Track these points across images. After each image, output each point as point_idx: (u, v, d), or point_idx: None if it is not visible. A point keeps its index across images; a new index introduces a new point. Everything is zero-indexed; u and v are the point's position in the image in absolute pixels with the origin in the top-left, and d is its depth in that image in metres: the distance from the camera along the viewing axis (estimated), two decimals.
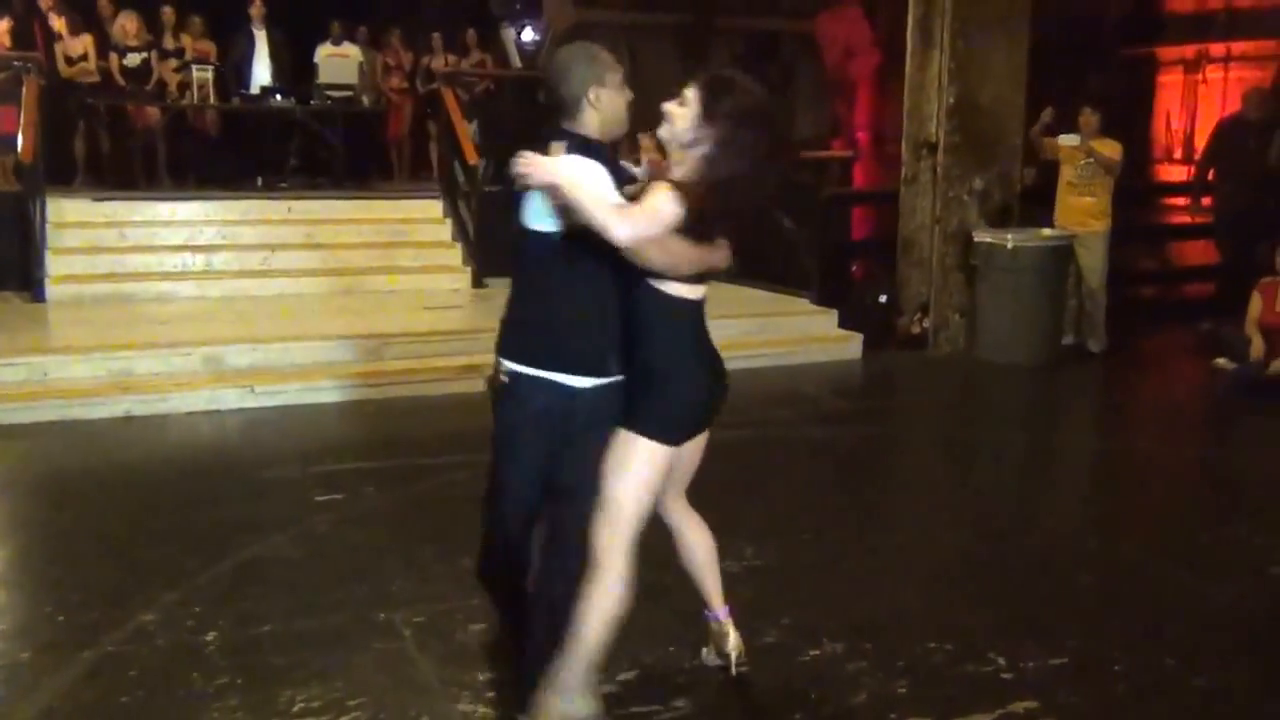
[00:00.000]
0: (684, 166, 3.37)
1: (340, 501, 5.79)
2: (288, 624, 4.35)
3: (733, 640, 3.84)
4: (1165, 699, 3.93)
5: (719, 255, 3.39)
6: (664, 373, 3.38)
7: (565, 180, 3.16)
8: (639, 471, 3.38)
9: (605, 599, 3.36)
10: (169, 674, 3.95)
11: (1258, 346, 8.55)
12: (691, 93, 3.35)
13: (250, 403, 7.57)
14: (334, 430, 7.20)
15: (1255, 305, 8.67)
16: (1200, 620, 4.58)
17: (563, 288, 3.36)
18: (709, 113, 3.31)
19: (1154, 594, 4.85)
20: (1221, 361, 8.95)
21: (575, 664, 3.37)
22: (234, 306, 9.59)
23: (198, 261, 10.35)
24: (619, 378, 3.39)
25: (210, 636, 4.23)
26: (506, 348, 3.45)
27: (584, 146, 3.32)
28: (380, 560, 5.00)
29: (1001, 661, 4.07)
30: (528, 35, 17.90)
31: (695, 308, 3.44)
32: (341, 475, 6.21)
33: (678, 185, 3.24)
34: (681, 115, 3.35)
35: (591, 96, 3.32)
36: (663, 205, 3.20)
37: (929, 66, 9.62)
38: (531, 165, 3.20)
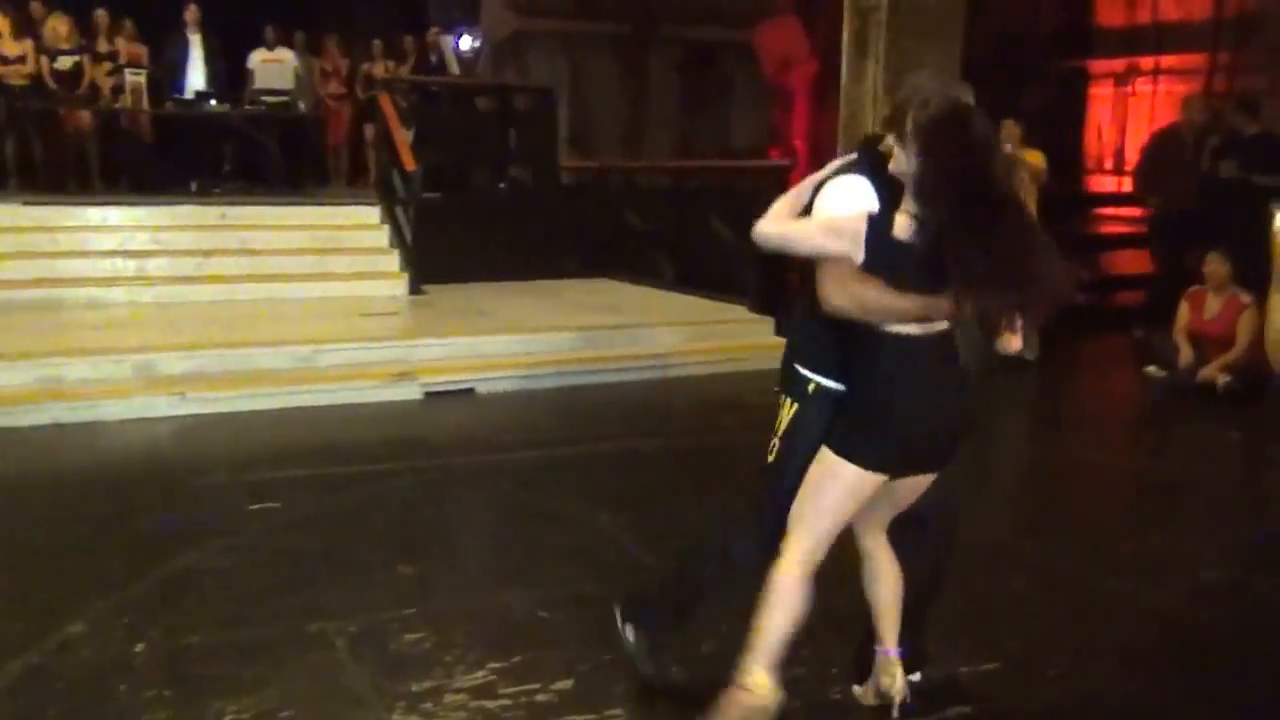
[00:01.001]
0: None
1: (273, 510, 5.73)
2: (219, 634, 4.30)
3: (898, 681, 3.60)
4: (1099, 704, 3.97)
5: (930, 304, 3.13)
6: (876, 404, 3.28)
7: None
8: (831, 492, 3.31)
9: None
10: (96, 686, 3.88)
11: (1186, 354, 8.69)
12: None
13: (182, 410, 7.47)
14: (267, 438, 7.11)
15: (1184, 314, 8.82)
16: (1133, 625, 4.64)
17: None
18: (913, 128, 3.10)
19: (1087, 599, 4.90)
20: (1152, 369, 9.08)
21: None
22: (166, 313, 9.47)
23: (130, 267, 10.22)
24: None
25: (139, 647, 4.16)
26: None
27: (863, 166, 3.21)
28: (314, 569, 4.95)
29: (936, 667, 4.09)
30: (465, 43, 17.86)
31: (913, 345, 3.23)
32: (275, 483, 6.13)
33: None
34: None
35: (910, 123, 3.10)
36: (823, 221, 3.18)
37: (864, 78, 9.70)
38: None
